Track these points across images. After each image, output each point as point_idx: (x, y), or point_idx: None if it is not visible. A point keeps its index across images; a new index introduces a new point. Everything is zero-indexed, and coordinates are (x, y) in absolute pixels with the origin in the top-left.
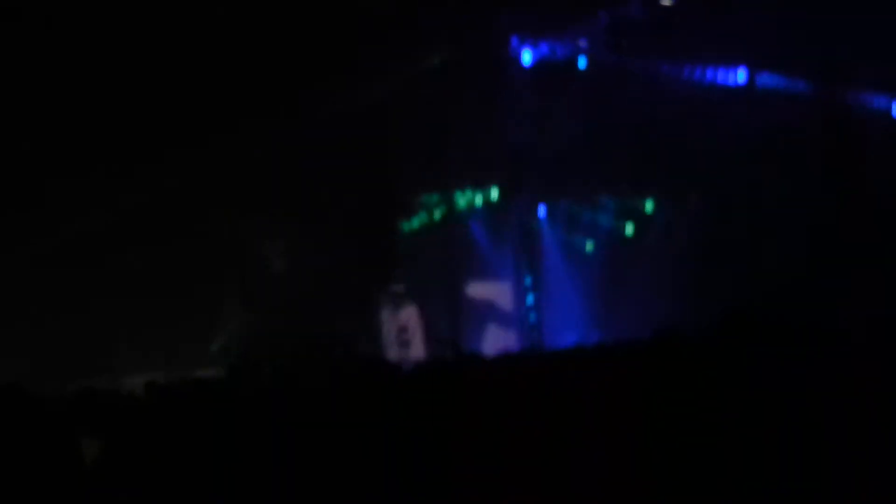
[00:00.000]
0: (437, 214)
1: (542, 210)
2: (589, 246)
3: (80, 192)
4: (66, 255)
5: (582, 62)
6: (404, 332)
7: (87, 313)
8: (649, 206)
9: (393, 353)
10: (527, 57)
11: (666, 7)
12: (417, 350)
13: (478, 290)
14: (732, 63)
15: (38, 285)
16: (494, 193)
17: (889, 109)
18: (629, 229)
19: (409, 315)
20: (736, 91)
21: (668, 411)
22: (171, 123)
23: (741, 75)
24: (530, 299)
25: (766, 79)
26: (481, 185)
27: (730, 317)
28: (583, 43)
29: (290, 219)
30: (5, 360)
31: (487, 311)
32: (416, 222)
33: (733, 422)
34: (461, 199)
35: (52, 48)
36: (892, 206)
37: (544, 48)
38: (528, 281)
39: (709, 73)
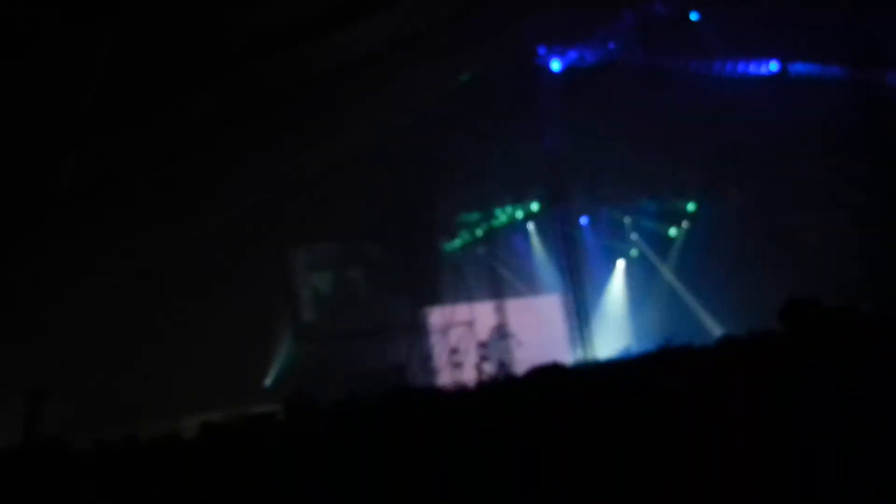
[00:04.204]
0: (479, 232)
1: (584, 219)
2: (634, 252)
3: (128, 231)
4: (116, 298)
5: (611, 65)
6: (455, 353)
7: (140, 356)
8: (691, 206)
9: (446, 376)
10: (556, 65)
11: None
12: (470, 372)
13: (526, 305)
14: (763, 54)
15: (88, 329)
16: (535, 206)
17: None
18: (672, 231)
19: (460, 336)
20: (769, 82)
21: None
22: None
23: (773, 66)
24: (578, 311)
25: (799, 67)
26: (521, 199)
27: (788, 306)
28: (611, 46)
29: (335, 247)
30: (57, 404)
31: (537, 326)
32: (458, 242)
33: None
34: (502, 215)
35: None
36: None
37: (572, 54)
38: (575, 292)
39: (740, 67)
